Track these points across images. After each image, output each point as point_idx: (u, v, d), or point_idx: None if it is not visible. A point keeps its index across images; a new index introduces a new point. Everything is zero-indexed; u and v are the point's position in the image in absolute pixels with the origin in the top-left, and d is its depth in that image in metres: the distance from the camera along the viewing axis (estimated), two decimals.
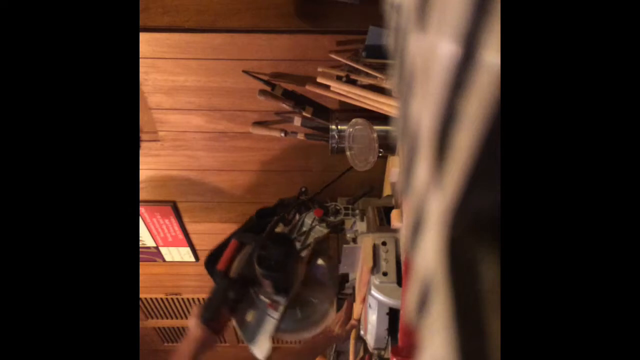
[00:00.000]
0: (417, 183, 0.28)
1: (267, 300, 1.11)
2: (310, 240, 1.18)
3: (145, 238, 1.85)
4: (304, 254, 1.15)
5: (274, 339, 1.11)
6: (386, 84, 1.03)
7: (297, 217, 1.21)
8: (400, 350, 0.79)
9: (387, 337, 1.01)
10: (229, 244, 1.12)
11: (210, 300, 1.08)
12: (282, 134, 1.34)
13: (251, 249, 1.08)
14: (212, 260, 1.10)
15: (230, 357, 2.98)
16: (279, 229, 1.19)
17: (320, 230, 1.19)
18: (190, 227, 1.82)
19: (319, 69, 1.15)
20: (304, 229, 1.19)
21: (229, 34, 1.19)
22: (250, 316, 1.15)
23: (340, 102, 1.11)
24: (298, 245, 1.17)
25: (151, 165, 1.55)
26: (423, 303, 0.26)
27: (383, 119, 1.05)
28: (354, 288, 1.21)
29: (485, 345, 0.20)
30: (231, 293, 1.08)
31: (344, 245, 1.13)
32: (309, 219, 1.19)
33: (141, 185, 1.60)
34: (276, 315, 1.11)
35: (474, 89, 0.19)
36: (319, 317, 1.18)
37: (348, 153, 1.14)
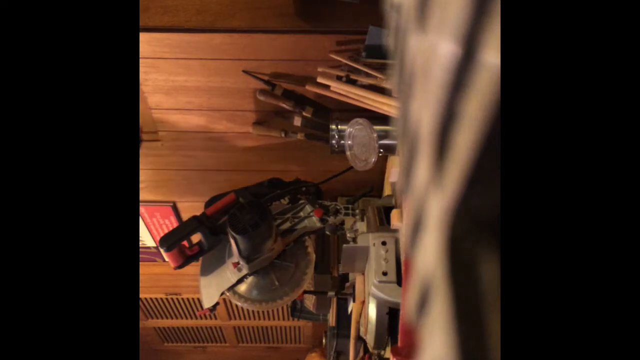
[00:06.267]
0: (417, 183, 0.28)
1: (233, 259, 1.12)
2: (300, 226, 1.18)
3: (145, 238, 1.85)
4: (291, 237, 1.15)
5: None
6: (386, 84, 1.03)
7: (302, 200, 1.22)
8: (400, 350, 0.79)
9: (387, 337, 1.01)
10: (226, 195, 1.13)
11: (175, 229, 1.08)
12: (282, 134, 1.34)
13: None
14: (165, 239, 1.08)
15: (230, 357, 2.99)
16: (284, 202, 1.20)
17: (314, 222, 1.19)
18: None
19: (319, 69, 1.15)
20: (301, 214, 1.19)
21: (229, 34, 1.19)
22: (213, 266, 1.17)
23: (340, 102, 1.11)
24: (288, 224, 1.17)
25: (151, 165, 1.55)
26: (423, 303, 0.26)
27: (383, 119, 1.05)
28: (354, 288, 1.21)
29: (485, 345, 0.20)
30: (204, 235, 1.08)
31: (344, 245, 1.13)
32: (310, 207, 1.19)
33: (141, 185, 1.60)
34: (234, 277, 1.12)
35: (474, 89, 0.19)
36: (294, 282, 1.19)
37: (348, 153, 1.14)
